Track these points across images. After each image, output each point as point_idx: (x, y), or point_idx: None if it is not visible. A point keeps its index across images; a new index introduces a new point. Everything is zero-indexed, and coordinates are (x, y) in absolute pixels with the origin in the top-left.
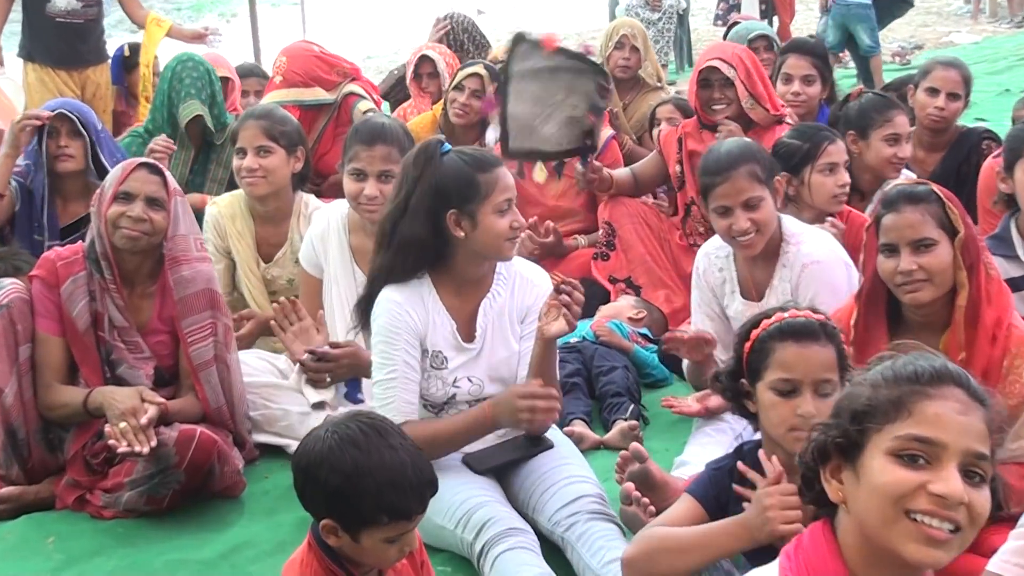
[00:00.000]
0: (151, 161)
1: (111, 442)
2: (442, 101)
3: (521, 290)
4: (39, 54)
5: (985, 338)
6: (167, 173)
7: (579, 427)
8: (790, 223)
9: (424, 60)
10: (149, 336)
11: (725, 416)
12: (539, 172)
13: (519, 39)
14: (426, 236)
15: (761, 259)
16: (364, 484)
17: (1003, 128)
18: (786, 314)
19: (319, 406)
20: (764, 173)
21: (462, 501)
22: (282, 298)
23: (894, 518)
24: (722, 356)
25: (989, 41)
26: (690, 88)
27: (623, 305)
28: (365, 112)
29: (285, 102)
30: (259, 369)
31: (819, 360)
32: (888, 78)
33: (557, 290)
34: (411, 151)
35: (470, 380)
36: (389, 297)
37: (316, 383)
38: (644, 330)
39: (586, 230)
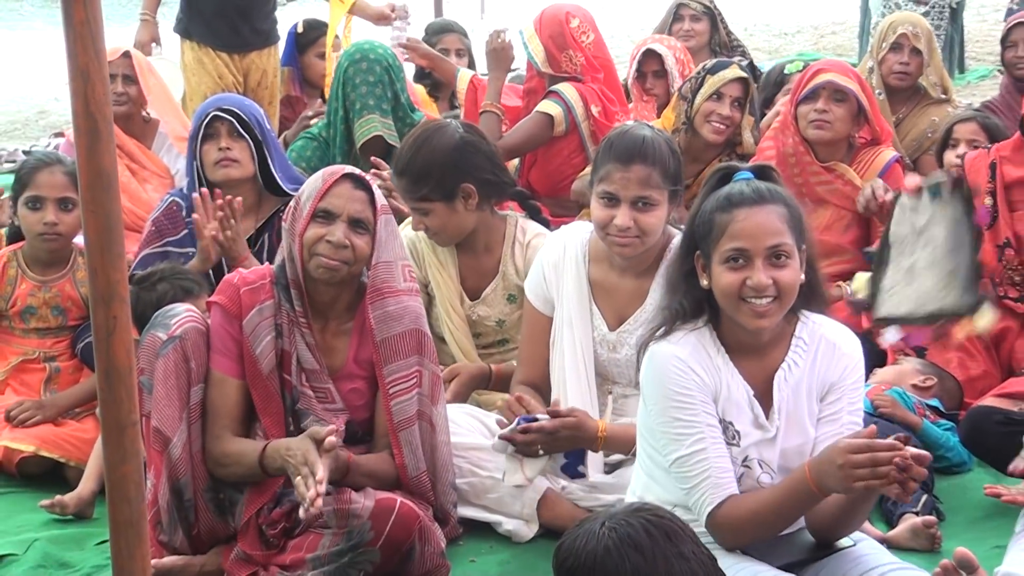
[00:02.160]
0: (357, 172)
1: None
2: (672, 109)
3: (824, 359)
4: (198, 32)
5: None
6: (375, 187)
7: None
8: None
9: (649, 56)
10: (342, 382)
11: None
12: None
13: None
14: (683, 278)
15: None
16: None
17: None
18: None
19: (518, 488)
20: None
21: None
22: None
23: None
24: None
25: None
26: None
27: (906, 369)
28: None
29: None
30: (466, 428)
31: None
32: None
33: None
34: None
35: (761, 466)
36: (670, 353)
37: (526, 455)
38: (934, 401)
39: (855, 272)
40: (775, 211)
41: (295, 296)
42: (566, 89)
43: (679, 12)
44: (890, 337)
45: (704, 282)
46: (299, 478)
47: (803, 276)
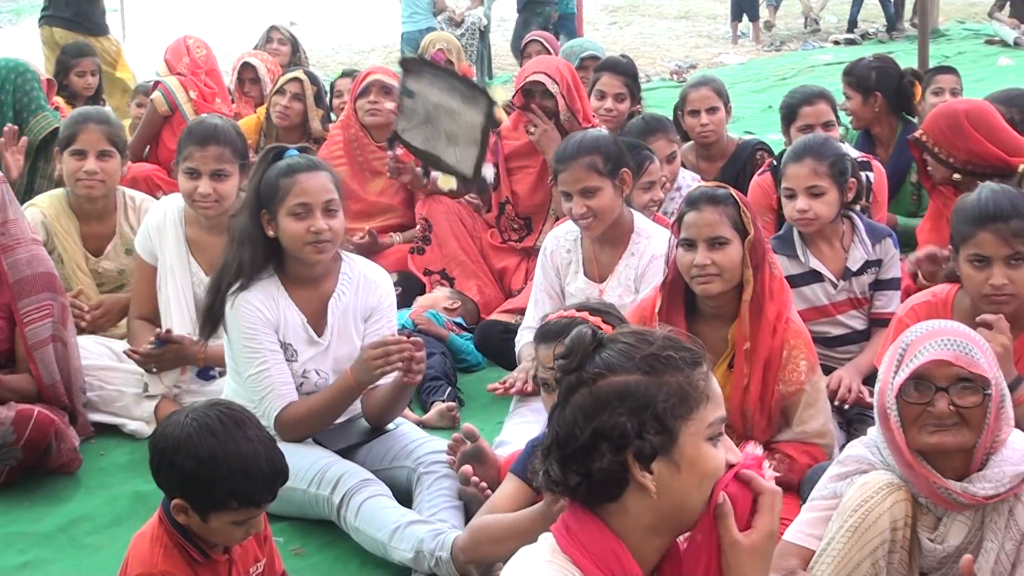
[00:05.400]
0: None
1: None
2: (266, 104)
3: (365, 290)
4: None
5: (767, 330)
6: None
7: None
8: (642, 219)
9: (246, 67)
10: None
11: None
12: (444, 180)
13: (408, 63)
14: (253, 232)
15: (608, 245)
16: (218, 471)
17: (769, 141)
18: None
19: (151, 396)
20: (606, 165)
21: (312, 463)
22: None
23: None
24: None
25: (753, 62)
26: (516, 94)
27: (439, 296)
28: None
29: None
30: (96, 353)
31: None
32: (667, 95)
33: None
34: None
35: (317, 373)
36: (241, 298)
37: (144, 370)
38: (459, 319)
39: (404, 226)
40: (327, 176)
41: None
42: (168, 79)
43: (270, 34)
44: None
45: (271, 233)
46: None
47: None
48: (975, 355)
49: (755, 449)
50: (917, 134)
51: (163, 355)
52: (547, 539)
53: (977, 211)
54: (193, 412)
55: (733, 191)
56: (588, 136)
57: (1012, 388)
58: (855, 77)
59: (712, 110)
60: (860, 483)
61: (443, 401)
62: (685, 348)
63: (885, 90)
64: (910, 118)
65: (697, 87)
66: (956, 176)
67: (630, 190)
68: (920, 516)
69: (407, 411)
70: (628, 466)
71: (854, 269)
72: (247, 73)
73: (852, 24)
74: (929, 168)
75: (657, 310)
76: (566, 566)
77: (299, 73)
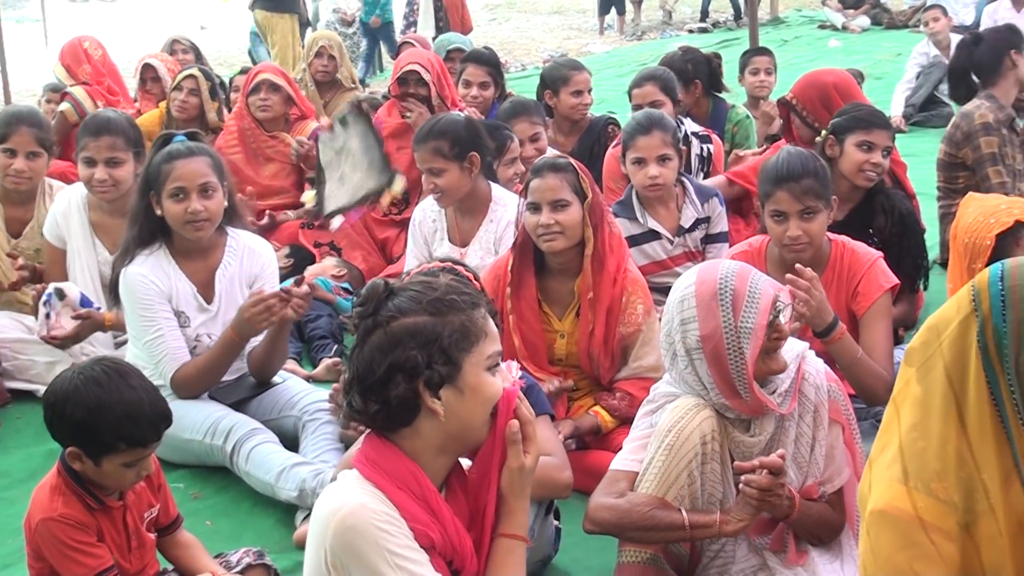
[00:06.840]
0: None
1: None
2: (166, 100)
3: (248, 260)
4: None
5: (608, 280)
6: None
7: (291, 364)
8: (500, 189)
9: (147, 67)
10: None
11: None
12: (308, 197)
13: (359, 107)
14: (144, 210)
15: (469, 214)
16: (104, 417)
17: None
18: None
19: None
20: (452, 149)
21: (207, 415)
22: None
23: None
24: None
25: (617, 51)
26: (392, 82)
27: (327, 264)
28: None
29: None
30: (9, 327)
31: None
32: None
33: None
34: None
35: (209, 336)
36: (135, 272)
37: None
38: (345, 284)
39: (295, 205)
40: (204, 160)
41: None
42: (75, 90)
43: (173, 47)
44: (335, 224)
45: (159, 212)
46: None
47: (226, 203)
48: (771, 280)
49: (517, 374)
50: (788, 97)
51: (80, 332)
52: (350, 472)
53: (774, 172)
54: (79, 367)
55: (573, 161)
56: (441, 122)
57: (831, 328)
58: (674, 71)
59: (589, 92)
60: (671, 407)
61: (330, 357)
62: (466, 292)
63: (701, 76)
64: (718, 95)
65: (580, 70)
66: (819, 138)
67: (478, 170)
68: (732, 428)
69: (297, 367)
70: (420, 393)
71: (687, 226)
72: (148, 73)
73: (704, 14)
74: (795, 127)
75: (510, 268)
76: (370, 489)
77: (194, 71)
